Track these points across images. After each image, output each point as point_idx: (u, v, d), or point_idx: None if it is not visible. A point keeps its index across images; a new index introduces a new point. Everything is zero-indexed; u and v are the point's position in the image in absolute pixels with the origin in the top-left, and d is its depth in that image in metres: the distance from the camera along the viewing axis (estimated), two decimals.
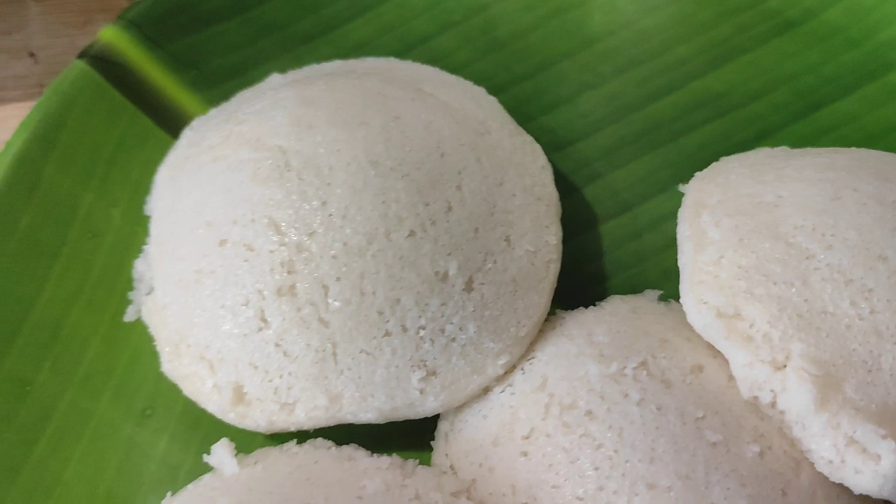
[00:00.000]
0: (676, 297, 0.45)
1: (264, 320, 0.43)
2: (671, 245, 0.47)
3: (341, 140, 0.46)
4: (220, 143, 0.48)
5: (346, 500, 0.39)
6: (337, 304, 0.43)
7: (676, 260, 0.47)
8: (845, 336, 0.40)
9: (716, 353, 0.43)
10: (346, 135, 0.46)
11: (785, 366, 0.40)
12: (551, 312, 0.48)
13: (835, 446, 0.38)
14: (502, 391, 0.44)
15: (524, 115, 0.56)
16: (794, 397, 0.39)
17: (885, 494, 0.38)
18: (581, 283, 0.53)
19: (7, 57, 0.65)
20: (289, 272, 0.43)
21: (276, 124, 0.47)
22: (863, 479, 0.38)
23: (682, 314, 0.44)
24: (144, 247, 0.51)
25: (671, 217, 0.49)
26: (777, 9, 0.61)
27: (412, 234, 0.44)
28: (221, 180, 0.46)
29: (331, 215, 0.44)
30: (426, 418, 0.45)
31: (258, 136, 0.47)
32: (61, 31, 0.67)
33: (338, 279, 0.43)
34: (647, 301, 0.49)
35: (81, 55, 0.56)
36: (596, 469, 0.39)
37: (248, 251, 0.44)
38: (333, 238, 0.43)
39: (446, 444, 0.45)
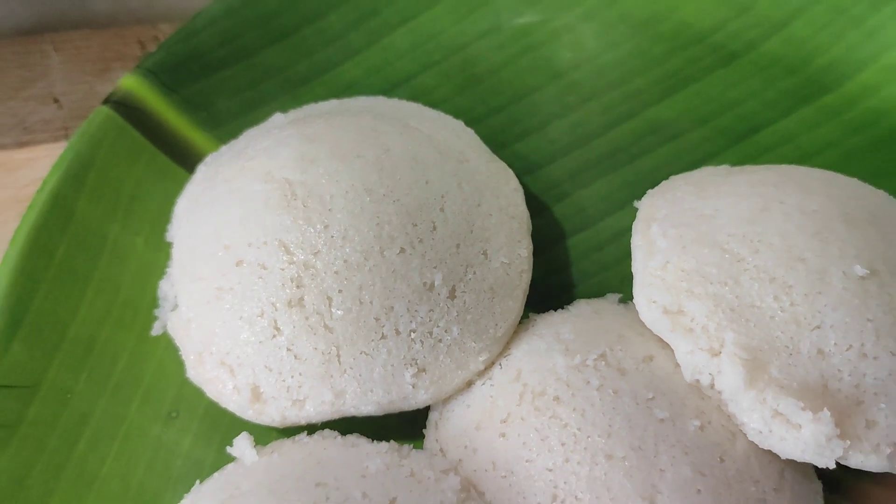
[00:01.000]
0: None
1: (277, 329, 0.46)
2: (629, 255, 0.49)
3: (340, 171, 0.48)
4: (234, 177, 0.50)
5: (352, 478, 0.42)
6: (339, 312, 0.45)
7: None
8: (770, 326, 0.42)
9: (664, 345, 0.45)
10: (344, 167, 0.48)
11: (720, 352, 0.42)
12: (525, 315, 0.50)
13: (763, 418, 0.41)
14: (483, 384, 0.47)
15: (499, 143, 0.59)
16: (728, 378, 0.42)
17: (806, 458, 0.40)
18: (551, 290, 0.55)
19: (35, 103, 0.67)
20: (297, 286, 0.46)
21: (283, 159, 0.49)
22: (787, 446, 0.41)
23: (637, 313, 0.46)
24: (168, 269, 0.53)
25: (629, 231, 0.50)
26: (722, 42, 0.64)
27: (402, 250, 0.47)
28: (236, 209, 0.48)
29: (332, 237, 0.46)
30: (418, 410, 0.47)
31: (268, 170, 0.49)
32: (81, 78, 0.69)
33: (340, 291, 0.46)
34: (608, 303, 0.51)
35: (105, 101, 0.58)
36: (563, 444, 0.42)
37: (262, 269, 0.46)
38: (335, 256, 0.46)
39: (436, 431, 0.47)
